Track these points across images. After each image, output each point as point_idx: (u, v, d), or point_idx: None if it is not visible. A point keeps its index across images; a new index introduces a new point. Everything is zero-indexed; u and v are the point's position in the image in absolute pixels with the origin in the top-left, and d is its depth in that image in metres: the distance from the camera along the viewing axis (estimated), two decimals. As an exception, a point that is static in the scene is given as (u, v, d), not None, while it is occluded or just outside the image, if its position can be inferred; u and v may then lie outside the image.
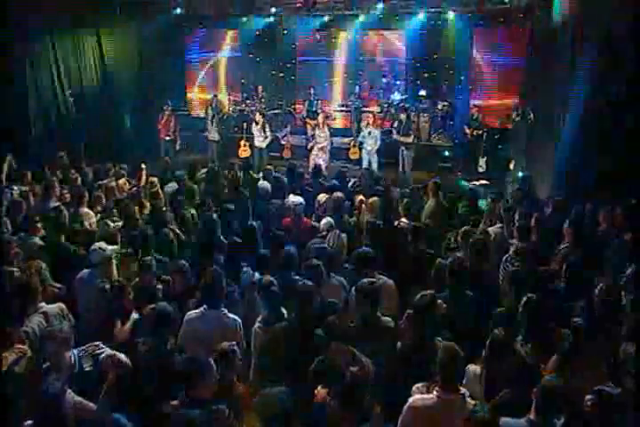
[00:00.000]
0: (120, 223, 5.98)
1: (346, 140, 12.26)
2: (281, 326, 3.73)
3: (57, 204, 6.51)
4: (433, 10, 13.24)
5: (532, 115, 8.63)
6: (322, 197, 6.62)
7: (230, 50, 14.80)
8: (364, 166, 10.08)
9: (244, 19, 14.03)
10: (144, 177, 7.90)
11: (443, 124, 12.32)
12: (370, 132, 10.18)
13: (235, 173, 7.77)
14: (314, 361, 3.32)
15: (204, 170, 8.61)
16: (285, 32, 14.50)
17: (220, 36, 14.71)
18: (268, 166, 8.46)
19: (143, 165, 8.03)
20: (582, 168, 7.65)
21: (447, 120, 12.41)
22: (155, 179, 7.64)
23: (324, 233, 5.65)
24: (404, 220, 6.34)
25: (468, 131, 10.89)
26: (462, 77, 13.38)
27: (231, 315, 3.88)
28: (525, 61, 11.73)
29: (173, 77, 13.75)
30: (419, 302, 3.66)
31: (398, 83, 13.64)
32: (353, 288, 4.56)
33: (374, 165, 10.07)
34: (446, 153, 11.91)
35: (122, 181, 7.92)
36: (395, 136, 10.27)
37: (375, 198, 6.37)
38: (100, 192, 6.99)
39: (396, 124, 10.48)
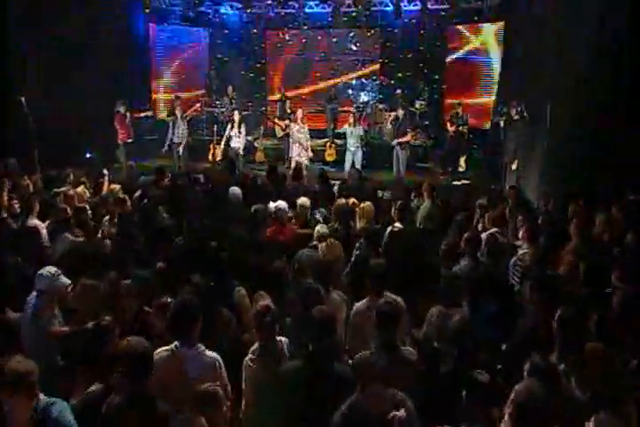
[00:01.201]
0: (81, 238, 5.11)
1: (321, 141, 11.53)
2: (293, 366, 2.94)
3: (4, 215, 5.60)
4: (406, 8, 12.79)
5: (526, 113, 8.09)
6: (304, 200, 5.84)
7: (198, 49, 13.90)
8: (346, 168, 9.32)
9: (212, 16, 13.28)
10: (106, 184, 6.98)
11: (420, 124, 11.73)
12: (352, 132, 9.44)
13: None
14: (329, 408, 2.56)
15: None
16: (255, 31, 13.73)
17: (187, 34, 13.80)
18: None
19: (105, 171, 7.09)
20: (574, 167, 7.21)
21: (424, 119, 11.84)
22: (117, 186, 6.73)
23: (315, 243, 4.89)
24: (397, 224, 5.65)
25: (450, 128, 10.32)
26: (436, 76, 12.91)
27: (209, 352, 3.04)
28: (502, 59, 11.36)
29: (137, 77, 12.74)
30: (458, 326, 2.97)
31: (368, 83, 13.13)
32: (356, 307, 3.88)
33: (358, 165, 9.34)
34: (424, 154, 11.31)
35: (80, 188, 6.99)
36: (394, 141, 9.55)
37: (368, 203, 5.65)
38: (56, 201, 6.05)
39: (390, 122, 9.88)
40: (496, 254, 4.78)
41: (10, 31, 9.21)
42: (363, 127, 9.64)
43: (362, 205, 5.61)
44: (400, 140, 9.39)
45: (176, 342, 3.01)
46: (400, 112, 9.70)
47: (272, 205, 5.96)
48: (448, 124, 10.45)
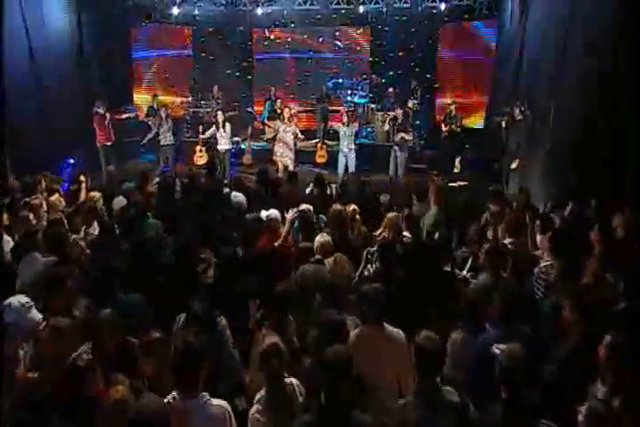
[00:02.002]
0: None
1: (311, 142, 10.93)
2: (306, 423, 2.36)
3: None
4: (397, 5, 12.29)
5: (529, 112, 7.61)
6: (304, 207, 5.26)
7: (181, 47, 13.21)
8: (339, 171, 8.74)
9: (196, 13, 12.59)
10: (83, 191, 6.31)
11: (412, 124, 11.21)
12: (345, 132, 8.82)
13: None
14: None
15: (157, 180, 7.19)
16: (241, 28, 13.09)
17: (170, 33, 13.09)
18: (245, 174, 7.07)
19: (82, 177, 6.42)
20: (577, 168, 6.77)
21: (415, 119, 11.32)
22: (96, 194, 6.06)
23: (318, 257, 4.31)
24: (406, 234, 5.12)
25: (444, 128, 9.82)
26: (428, 75, 12.42)
27: (216, 401, 2.47)
28: (495, 58, 10.92)
29: (117, 77, 12.00)
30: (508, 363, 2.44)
31: (359, 82, 12.59)
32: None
33: (352, 168, 8.75)
34: (417, 155, 10.78)
35: (55, 197, 6.32)
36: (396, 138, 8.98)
37: (394, 214, 5.05)
38: (24, 213, 5.38)
39: (387, 123, 9.27)
40: (521, 269, 4.29)
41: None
42: (357, 126, 9.03)
43: (388, 215, 5.03)
44: (403, 135, 8.85)
45: (175, 392, 2.45)
46: (399, 111, 9.21)
47: (263, 213, 5.40)
48: (442, 125, 9.95)
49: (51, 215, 6.17)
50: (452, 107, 9.80)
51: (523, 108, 7.76)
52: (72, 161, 9.17)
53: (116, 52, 11.80)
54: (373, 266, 4.53)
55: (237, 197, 5.44)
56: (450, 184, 9.25)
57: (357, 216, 5.26)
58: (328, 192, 6.89)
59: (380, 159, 9.99)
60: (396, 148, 8.91)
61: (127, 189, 6.02)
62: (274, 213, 5.00)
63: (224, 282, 3.68)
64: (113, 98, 10.91)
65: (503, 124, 8.34)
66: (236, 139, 11.41)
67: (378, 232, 5.07)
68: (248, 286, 3.75)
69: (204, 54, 12.96)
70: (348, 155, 8.76)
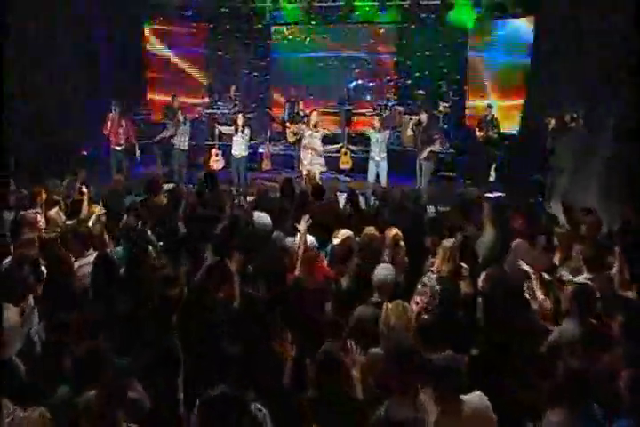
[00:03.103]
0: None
1: (334, 146, 9.97)
2: None
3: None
4: (423, 2, 11.32)
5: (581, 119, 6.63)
6: (343, 233, 4.33)
7: (196, 45, 12.32)
8: (370, 180, 7.77)
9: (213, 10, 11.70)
10: (85, 205, 5.42)
11: (440, 128, 10.23)
12: (377, 138, 7.82)
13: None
14: None
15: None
16: (259, 26, 12.17)
17: (185, 30, 12.20)
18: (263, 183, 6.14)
19: (84, 189, 5.52)
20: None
21: (448, 123, 10.35)
22: (98, 208, 5.17)
23: (376, 299, 3.40)
24: (463, 265, 4.19)
25: (479, 133, 8.85)
26: (458, 76, 11.42)
27: None
28: (533, 58, 9.90)
29: (130, 76, 11.14)
30: None
31: (383, 82, 11.60)
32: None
33: (383, 179, 7.77)
34: (448, 161, 9.78)
35: (54, 211, 5.45)
36: (427, 148, 7.86)
37: (451, 241, 4.12)
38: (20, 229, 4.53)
39: (410, 128, 8.18)
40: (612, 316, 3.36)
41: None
42: (387, 133, 7.98)
43: (445, 243, 4.08)
44: (430, 149, 7.83)
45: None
46: (423, 116, 8.13)
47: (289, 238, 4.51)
48: (476, 130, 8.96)
49: (49, 231, 5.38)
50: (490, 111, 8.81)
51: (575, 115, 6.77)
52: (85, 153, 8.34)
53: (129, 51, 10.97)
54: (429, 308, 3.63)
55: (261, 217, 4.49)
56: (486, 195, 8.29)
57: (401, 243, 4.31)
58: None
59: (406, 166, 9.02)
60: (421, 157, 7.89)
61: (133, 204, 5.10)
62: (311, 239, 4.08)
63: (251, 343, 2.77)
64: (126, 98, 10.10)
65: (551, 126, 7.31)
66: (252, 142, 10.53)
67: (435, 265, 4.12)
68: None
69: (220, 53, 12.06)
70: (379, 163, 7.76)
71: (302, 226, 4.15)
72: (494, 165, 8.89)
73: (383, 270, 3.55)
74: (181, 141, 8.47)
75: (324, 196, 5.68)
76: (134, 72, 11.19)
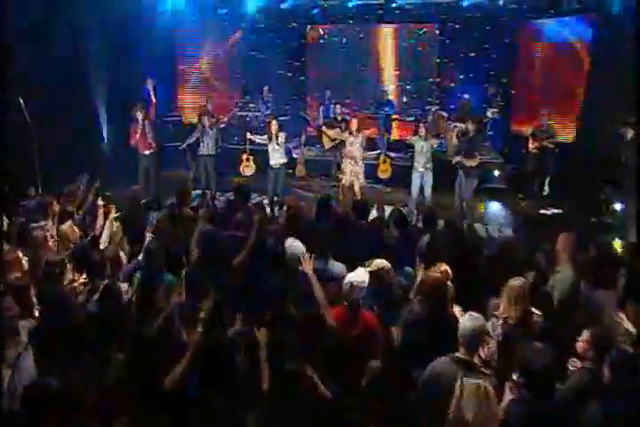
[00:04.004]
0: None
1: (371, 153, 9.13)
2: None
3: None
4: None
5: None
6: (380, 264, 3.59)
7: (229, 45, 11.69)
8: (413, 195, 6.93)
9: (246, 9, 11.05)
10: (101, 219, 4.77)
11: (489, 136, 9.32)
12: (423, 147, 6.99)
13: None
14: None
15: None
16: (294, 25, 11.44)
17: (219, 30, 11.57)
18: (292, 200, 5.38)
19: (101, 201, 4.88)
20: None
21: (495, 130, 9.42)
22: (115, 224, 4.54)
23: (463, 356, 2.62)
24: (535, 311, 3.38)
25: (532, 144, 7.92)
26: (504, 79, 10.45)
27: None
28: (592, 59, 8.89)
29: (161, 77, 10.57)
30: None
31: (425, 85, 10.70)
32: None
33: (428, 193, 6.91)
34: (496, 172, 8.85)
35: (67, 225, 4.83)
36: (457, 158, 6.86)
37: (519, 281, 3.31)
38: (14, 254, 3.90)
39: (455, 137, 7.18)
40: None
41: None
42: (433, 141, 7.07)
43: (512, 283, 3.28)
44: (469, 164, 6.83)
45: None
46: (470, 126, 7.16)
47: (336, 269, 3.76)
48: (529, 139, 8.02)
49: (61, 248, 4.78)
50: (546, 119, 7.85)
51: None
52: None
53: (159, 52, 10.41)
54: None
55: (293, 246, 3.73)
56: (541, 211, 7.39)
57: (449, 283, 3.49)
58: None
59: (448, 177, 8.09)
60: (460, 172, 6.91)
61: (151, 222, 4.42)
62: (358, 276, 3.28)
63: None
64: (157, 101, 9.55)
65: (628, 136, 6.32)
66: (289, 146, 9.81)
67: (500, 310, 3.32)
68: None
69: (253, 53, 11.38)
70: (424, 175, 6.89)
71: (307, 266, 3.42)
72: (548, 178, 7.93)
73: (472, 320, 2.77)
74: (207, 147, 7.74)
75: (368, 215, 4.91)
76: (165, 73, 10.64)
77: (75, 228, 4.89)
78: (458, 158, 6.76)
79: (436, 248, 4.05)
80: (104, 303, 3.18)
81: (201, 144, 7.71)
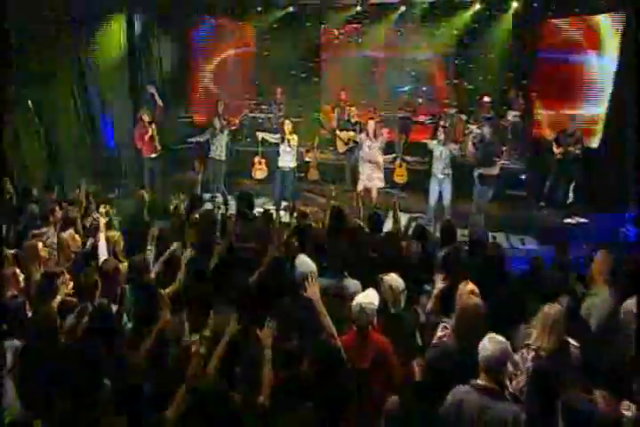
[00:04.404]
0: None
1: (387, 157, 8.72)
2: None
3: None
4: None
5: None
6: (393, 280, 3.25)
7: (243, 45, 11.40)
8: (431, 202, 6.54)
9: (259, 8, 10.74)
10: (102, 229, 4.48)
11: (510, 141, 8.87)
12: (442, 152, 6.55)
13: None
14: None
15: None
16: (308, 24, 11.11)
17: (231, 29, 11.29)
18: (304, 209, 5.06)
19: (102, 209, 4.60)
20: None
21: (516, 134, 8.98)
22: (116, 234, 4.25)
23: (484, 382, 2.32)
24: (571, 342, 3.01)
25: (557, 149, 7.49)
26: (524, 81, 10.00)
27: None
28: (621, 59, 8.41)
29: (173, 76, 10.32)
30: None
31: (442, 85, 10.29)
32: None
33: (447, 201, 6.49)
34: (516, 178, 8.42)
35: (68, 233, 4.57)
36: (479, 171, 6.44)
37: (554, 307, 2.91)
38: (11, 270, 3.62)
39: (472, 144, 6.73)
40: None
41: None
42: (453, 147, 6.65)
43: (547, 309, 2.93)
44: (486, 173, 6.42)
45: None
46: (486, 130, 6.72)
47: (352, 286, 3.44)
48: (553, 144, 7.59)
49: (62, 257, 4.52)
50: (572, 124, 7.41)
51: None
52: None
53: (172, 52, 10.17)
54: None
55: (303, 265, 3.37)
56: (566, 220, 6.97)
57: (477, 302, 3.13)
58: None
59: (466, 183, 7.67)
60: (477, 180, 6.48)
61: (152, 236, 4.09)
62: (367, 298, 2.96)
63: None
64: (168, 102, 9.30)
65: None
66: (300, 149, 9.49)
67: (532, 339, 2.96)
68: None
69: (266, 53, 11.09)
70: (442, 182, 6.49)
71: (312, 290, 3.08)
72: (573, 184, 7.50)
73: (493, 344, 2.44)
74: (217, 150, 7.44)
75: (382, 229, 4.57)
76: (178, 74, 10.39)
77: (76, 236, 4.63)
78: (480, 171, 6.36)
79: (456, 264, 3.69)
80: (90, 341, 2.82)
81: (212, 147, 7.41)
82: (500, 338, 2.54)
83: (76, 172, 6.75)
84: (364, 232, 4.31)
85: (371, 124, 6.79)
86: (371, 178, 6.74)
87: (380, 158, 6.79)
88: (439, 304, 3.27)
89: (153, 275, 3.62)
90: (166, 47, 9.96)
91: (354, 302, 2.97)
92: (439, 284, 3.40)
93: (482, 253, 3.90)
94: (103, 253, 4.10)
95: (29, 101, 6.86)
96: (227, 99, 9.89)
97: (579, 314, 3.28)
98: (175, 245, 3.91)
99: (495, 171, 6.24)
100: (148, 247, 3.97)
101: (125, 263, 3.89)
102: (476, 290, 3.25)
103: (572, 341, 3.03)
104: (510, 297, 3.31)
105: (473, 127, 8.27)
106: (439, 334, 3.00)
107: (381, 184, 6.80)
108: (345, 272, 3.58)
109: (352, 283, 3.56)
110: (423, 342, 3.19)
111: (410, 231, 4.91)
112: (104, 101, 8.15)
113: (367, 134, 6.76)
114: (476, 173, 6.55)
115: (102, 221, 4.48)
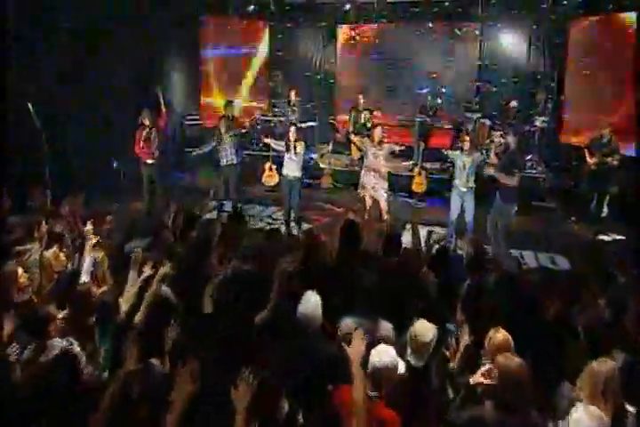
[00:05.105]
0: None
1: (404, 164, 8.07)
2: None
3: None
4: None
5: None
6: (423, 329, 2.65)
7: (256, 45, 10.90)
8: (451, 217, 5.89)
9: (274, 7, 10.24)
10: (88, 248, 3.99)
11: (538, 148, 8.21)
12: (464, 163, 5.81)
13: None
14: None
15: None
16: (324, 24, 10.57)
17: (244, 28, 10.79)
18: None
19: (89, 226, 4.11)
20: None
21: (543, 141, 8.31)
22: (99, 255, 3.77)
23: None
24: (629, 408, 2.42)
25: (590, 159, 6.82)
26: (552, 84, 9.31)
27: None
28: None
29: (183, 78, 9.86)
30: None
31: (464, 88, 9.63)
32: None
33: (470, 217, 5.84)
34: (543, 189, 7.74)
35: (52, 251, 4.10)
36: (491, 171, 5.60)
37: (608, 363, 2.38)
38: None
39: (493, 152, 5.96)
40: None
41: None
42: (477, 156, 5.95)
43: (595, 366, 2.37)
44: (503, 181, 5.58)
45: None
46: (511, 139, 5.87)
47: (384, 330, 2.90)
48: (587, 154, 6.91)
49: (44, 278, 4.04)
50: (607, 131, 6.73)
51: None
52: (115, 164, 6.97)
53: (185, 51, 9.71)
54: None
55: (309, 307, 2.84)
56: (600, 237, 6.30)
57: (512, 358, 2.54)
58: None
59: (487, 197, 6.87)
60: (498, 193, 5.65)
61: (135, 256, 3.56)
62: (381, 353, 2.40)
63: None
64: (175, 104, 8.86)
65: None
66: (314, 155, 8.97)
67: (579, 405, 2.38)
68: None
69: (280, 53, 10.58)
70: (465, 195, 5.82)
71: (357, 350, 2.41)
72: (608, 197, 6.82)
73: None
74: (227, 156, 6.92)
75: (398, 243, 3.98)
76: (188, 74, 9.93)
77: (61, 254, 4.15)
78: (492, 171, 5.65)
79: (483, 303, 3.12)
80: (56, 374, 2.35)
81: (220, 153, 6.89)
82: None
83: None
84: (378, 257, 3.75)
85: (377, 131, 6.19)
86: (376, 188, 6.17)
87: (385, 167, 6.22)
88: (466, 361, 2.69)
89: (123, 313, 3.08)
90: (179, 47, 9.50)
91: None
92: (465, 336, 2.83)
93: (510, 286, 3.32)
94: (87, 276, 3.61)
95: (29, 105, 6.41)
96: (237, 100, 9.42)
97: (635, 370, 2.68)
98: (150, 272, 3.36)
99: (513, 182, 5.51)
100: (130, 276, 3.43)
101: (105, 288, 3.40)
102: (510, 340, 2.69)
103: (629, 407, 2.45)
104: (549, 348, 2.73)
105: (497, 134, 7.64)
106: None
107: (385, 194, 6.22)
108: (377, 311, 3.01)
109: (385, 327, 2.98)
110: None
111: (431, 249, 4.34)
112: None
113: (372, 141, 6.18)
114: (486, 174, 5.78)
115: (92, 239, 3.97)
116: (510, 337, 2.68)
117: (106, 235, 4.25)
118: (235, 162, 7.02)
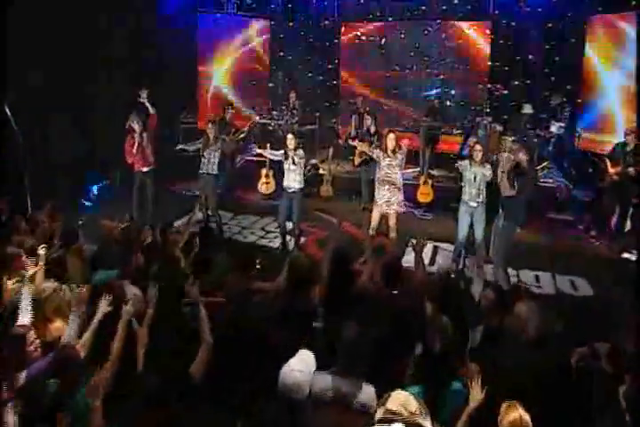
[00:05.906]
0: None
1: (408, 171, 7.34)
2: None
3: None
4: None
5: None
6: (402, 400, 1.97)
7: (256, 44, 10.29)
8: (459, 237, 5.13)
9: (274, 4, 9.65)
10: (39, 277, 3.38)
11: (554, 156, 7.52)
12: (475, 175, 5.06)
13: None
14: None
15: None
16: (326, 23, 9.93)
17: (243, 27, 10.18)
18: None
19: (41, 251, 3.49)
20: None
21: (559, 148, 7.62)
22: (50, 286, 3.16)
23: None
24: None
25: (612, 168, 6.13)
26: (569, 87, 8.61)
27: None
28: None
29: (179, 79, 9.27)
30: None
31: (475, 92, 8.95)
32: None
33: (479, 235, 5.08)
34: (558, 200, 7.07)
35: (11, 282, 3.48)
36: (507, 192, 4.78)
37: None
38: None
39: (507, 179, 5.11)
40: None
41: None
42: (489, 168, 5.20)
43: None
44: (506, 193, 4.85)
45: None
46: (522, 156, 4.88)
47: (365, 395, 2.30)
48: (608, 163, 6.23)
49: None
50: (630, 137, 6.03)
51: None
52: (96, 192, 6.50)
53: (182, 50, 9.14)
54: None
55: (294, 376, 2.22)
56: (624, 255, 5.64)
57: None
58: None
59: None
60: (502, 209, 4.91)
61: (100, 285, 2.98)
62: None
63: None
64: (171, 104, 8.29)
65: None
66: (314, 160, 8.35)
67: None
68: None
69: (281, 53, 9.97)
70: (475, 211, 5.10)
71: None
72: (631, 211, 6.14)
73: None
74: (203, 164, 6.20)
75: (400, 279, 3.35)
76: (184, 76, 9.35)
77: (8, 283, 3.55)
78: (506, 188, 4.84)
79: (499, 363, 2.49)
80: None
81: (202, 160, 6.21)
82: None
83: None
84: (373, 292, 3.12)
85: (390, 139, 5.40)
86: (390, 203, 5.40)
87: (401, 179, 5.45)
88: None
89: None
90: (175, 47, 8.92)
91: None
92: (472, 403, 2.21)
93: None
94: (26, 315, 3.00)
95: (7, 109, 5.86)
96: (236, 102, 8.82)
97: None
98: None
99: (513, 192, 4.71)
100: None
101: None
102: (529, 420, 2.06)
103: None
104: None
105: (508, 139, 6.93)
106: None
107: (401, 209, 5.47)
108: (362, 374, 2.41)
109: (366, 392, 2.37)
110: None
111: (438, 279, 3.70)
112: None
113: (385, 150, 5.42)
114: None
115: (40, 267, 3.36)
116: (529, 418, 2.06)
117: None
118: (213, 172, 6.22)
